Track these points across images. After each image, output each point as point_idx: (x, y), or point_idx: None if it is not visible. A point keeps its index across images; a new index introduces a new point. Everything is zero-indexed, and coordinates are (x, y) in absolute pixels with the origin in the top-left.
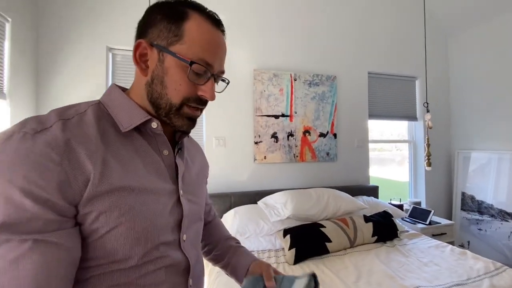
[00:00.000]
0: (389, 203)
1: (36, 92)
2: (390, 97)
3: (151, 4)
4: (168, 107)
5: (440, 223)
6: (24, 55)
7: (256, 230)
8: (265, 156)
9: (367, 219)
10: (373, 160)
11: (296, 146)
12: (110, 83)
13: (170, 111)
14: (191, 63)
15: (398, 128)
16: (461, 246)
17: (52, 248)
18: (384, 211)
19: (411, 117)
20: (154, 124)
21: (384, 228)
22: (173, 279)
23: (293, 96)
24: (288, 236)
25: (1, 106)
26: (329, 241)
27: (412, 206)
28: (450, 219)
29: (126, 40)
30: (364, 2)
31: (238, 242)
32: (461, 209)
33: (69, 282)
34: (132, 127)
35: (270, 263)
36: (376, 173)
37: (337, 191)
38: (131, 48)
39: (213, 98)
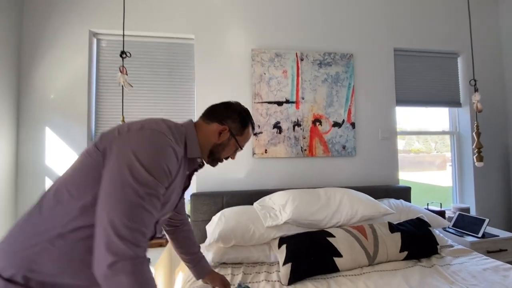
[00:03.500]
0: (426, 209)
1: (18, 83)
2: (424, 79)
3: (235, 103)
4: (217, 158)
5: (497, 236)
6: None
7: (244, 237)
8: (266, 150)
9: (393, 228)
10: (409, 164)
11: (304, 138)
12: (94, 71)
13: (216, 160)
14: (241, 147)
15: (442, 119)
16: None
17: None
18: (418, 218)
19: (453, 102)
20: (199, 160)
21: (417, 241)
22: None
23: (300, 79)
24: (283, 247)
25: None
26: (339, 255)
27: (457, 213)
28: None
29: (112, 24)
30: None
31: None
32: None
33: None
34: (191, 157)
35: (260, 282)
36: (411, 177)
37: (354, 191)
38: (118, 32)
39: (234, 159)
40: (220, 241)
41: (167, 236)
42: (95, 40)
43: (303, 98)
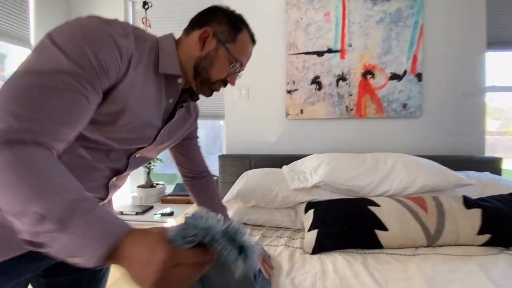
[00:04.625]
0: None
1: None
2: None
3: (222, 6)
4: (206, 79)
5: None
6: (51, 9)
7: (265, 197)
8: (301, 110)
9: (470, 203)
10: (505, 149)
11: (351, 95)
12: None
13: (205, 81)
14: (236, 60)
15: None
16: None
17: None
18: (511, 194)
19: None
20: (180, 80)
21: (507, 222)
22: None
23: (346, 21)
24: (311, 211)
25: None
26: (383, 228)
27: None
28: None
29: None
30: None
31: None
32: None
33: None
34: (165, 72)
35: (278, 246)
36: (507, 165)
37: (413, 157)
38: None
39: (234, 85)
40: (238, 199)
41: (186, 189)
42: (130, 3)
43: (350, 46)
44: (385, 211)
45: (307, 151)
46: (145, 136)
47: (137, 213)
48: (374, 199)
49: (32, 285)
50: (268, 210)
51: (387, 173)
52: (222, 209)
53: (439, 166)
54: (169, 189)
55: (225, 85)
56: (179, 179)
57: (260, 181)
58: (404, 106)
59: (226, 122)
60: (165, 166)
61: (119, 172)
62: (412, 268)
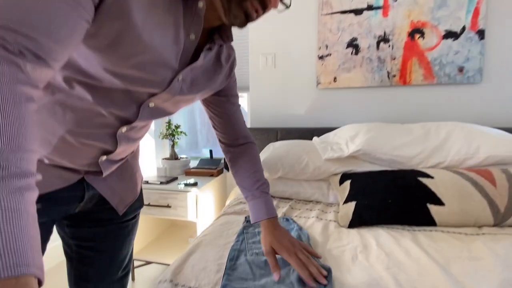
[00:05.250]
0: None
1: None
2: None
3: None
4: None
5: None
6: None
7: (294, 168)
8: (335, 78)
9: None
10: None
11: (394, 59)
12: None
13: (236, 3)
14: None
15: None
16: None
17: None
18: None
19: None
20: (201, 4)
21: None
22: None
23: None
24: (347, 182)
25: None
26: (438, 202)
27: None
28: None
29: None
30: None
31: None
32: None
33: None
34: None
35: (309, 218)
36: None
37: (474, 125)
38: None
39: (276, 5)
40: (264, 170)
41: (226, 158)
42: None
43: (395, 0)
44: (440, 183)
45: (340, 124)
46: (156, 78)
47: (161, 183)
48: (426, 170)
49: (59, 234)
50: (296, 181)
51: (441, 142)
52: (259, 199)
53: (508, 134)
54: (193, 164)
55: (263, 8)
56: (203, 156)
57: (288, 151)
58: (461, 70)
59: (251, 93)
60: (190, 148)
61: (129, 121)
62: (479, 247)
